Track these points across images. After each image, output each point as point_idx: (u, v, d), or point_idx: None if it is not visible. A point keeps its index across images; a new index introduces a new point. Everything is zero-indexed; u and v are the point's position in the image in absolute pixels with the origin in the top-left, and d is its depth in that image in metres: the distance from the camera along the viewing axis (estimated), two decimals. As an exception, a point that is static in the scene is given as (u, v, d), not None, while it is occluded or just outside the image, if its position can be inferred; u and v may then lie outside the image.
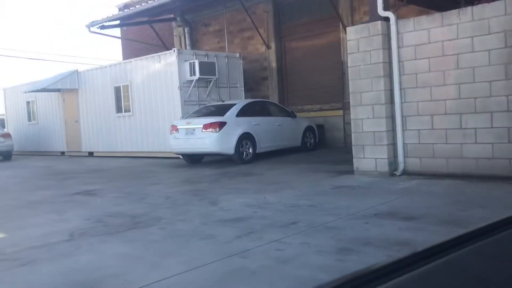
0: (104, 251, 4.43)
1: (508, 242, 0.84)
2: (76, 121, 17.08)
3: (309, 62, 14.56)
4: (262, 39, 15.24)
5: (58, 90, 17.43)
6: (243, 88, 14.74)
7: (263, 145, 11.32)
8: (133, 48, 20.55)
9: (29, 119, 19.62)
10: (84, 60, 52.15)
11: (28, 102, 19.49)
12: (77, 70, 16.98)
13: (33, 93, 17.98)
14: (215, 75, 13.45)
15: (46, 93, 17.79)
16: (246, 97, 14.47)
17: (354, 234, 4.44)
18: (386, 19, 7.65)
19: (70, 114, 17.45)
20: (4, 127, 18.79)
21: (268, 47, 15.31)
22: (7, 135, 16.79)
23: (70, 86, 16.83)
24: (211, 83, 13.57)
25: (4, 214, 6.49)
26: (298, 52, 15.03)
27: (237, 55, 14.74)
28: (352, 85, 8.06)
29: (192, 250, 4.29)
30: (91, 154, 16.61)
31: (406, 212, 5.17)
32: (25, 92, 18.02)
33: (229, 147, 10.59)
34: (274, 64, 15.33)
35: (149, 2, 15.05)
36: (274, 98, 14.95)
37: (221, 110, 11.25)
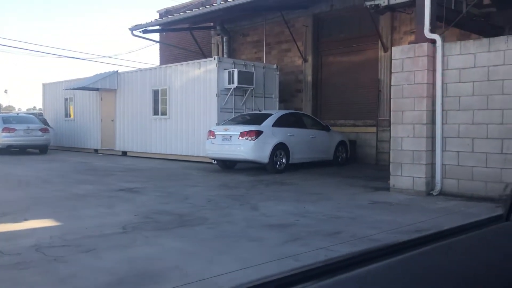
0: (160, 244, 4.68)
1: (454, 248, 0.83)
2: (112, 120, 17.57)
3: (345, 77, 14.73)
4: (300, 52, 15.49)
5: (97, 89, 17.99)
6: (277, 99, 14.99)
7: (296, 156, 11.51)
8: (171, 53, 21.08)
9: (66, 116, 20.24)
10: (122, 62, 53.53)
11: (66, 99, 20.13)
12: (117, 71, 17.51)
13: (71, 90, 18.59)
14: (252, 85, 13.73)
15: (84, 91, 18.36)
16: (280, 108, 14.70)
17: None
18: (432, 41, 7.80)
19: (106, 113, 17.96)
20: (44, 122, 19.34)
21: (305, 60, 15.55)
22: (45, 130, 17.34)
23: (109, 86, 17.35)
24: (248, 92, 13.86)
25: (55, 204, 6.81)
26: (335, 67, 15.22)
27: (274, 66, 15.02)
28: (394, 104, 8.21)
29: (243, 250, 4.50)
30: (124, 153, 17.04)
31: (448, 230, 5.27)
32: (65, 89, 18.65)
33: (263, 156, 10.81)
34: (309, 78, 15.55)
35: (193, 10, 15.48)
36: (307, 110, 15.14)
37: (258, 119, 11.50)
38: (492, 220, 0.99)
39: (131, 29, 16.85)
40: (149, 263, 4.07)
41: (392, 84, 8.27)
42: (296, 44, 15.38)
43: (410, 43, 8.45)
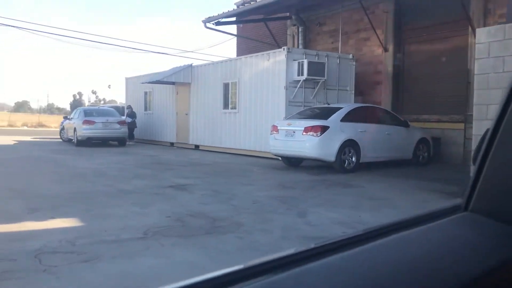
0: (170, 256, 4.08)
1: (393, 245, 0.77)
2: (186, 114, 17.53)
3: (430, 68, 13.23)
4: (379, 40, 14.21)
5: (173, 83, 18.05)
6: (353, 92, 13.89)
7: (368, 155, 10.42)
8: (246, 47, 20.63)
9: (145, 109, 20.64)
10: (203, 57, 54.46)
11: (146, 93, 20.52)
12: (191, 65, 17.41)
13: (151, 84, 18.84)
14: (324, 76, 12.78)
15: (162, 85, 18.52)
16: (355, 102, 13.59)
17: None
18: (528, 19, 6.42)
19: (181, 106, 17.96)
20: (125, 115, 19.84)
21: (385, 49, 14.23)
22: (123, 122, 17.74)
23: (183, 80, 17.30)
24: (319, 84, 12.94)
25: (91, 201, 6.53)
26: (418, 57, 13.76)
27: (350, 56, 13.92)
28: (477, 96, 6.93)
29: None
30: (197, 147, 16.91)
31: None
32: (142, 83, 18.96)
33: (330, 154, 9.88)
34: (390, 68, 14.22)
35: (265, -2, 14.83)
36: (386, 104, 13.86)
37: (326, 113, 10.56)
38: (450, 210, 0.94)
39: (204, 21, 16.62)
40: (143, 279, 3.48)
41: (475, 73, 6.97)
42: (376, 32, 14.11)
43: (499, 24, 7.07)
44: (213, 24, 16.68)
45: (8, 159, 11.95)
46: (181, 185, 8.14)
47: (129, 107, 20.17)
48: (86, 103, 70.68)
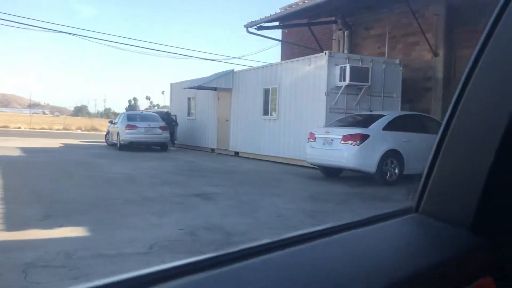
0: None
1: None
2: (227, 120, 17.27)
3: (485, 73, 12.22)
4: (429, 45, 13.34)
5: (215, 89, 17.87)
6: (399, 99, 13.09)
7: (412, 166, 9.63)
8: (292, 52, 20.14)
9: (188, 115, 20.61)
10: (248, 63, 54.48)
11: (189, 98, 20.49)
12: (232, 70, 17.17)
13: (194, 90, 18.77)
14: (368, 82, 12.10)
15: (204, 91, 18.40)
16: (403, 109, 12.79)
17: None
18: None
19: (222, 112, 17.74)
20: (168, 121, 19.87)
21: (435, 54, 13.35)
22: (164, 128, 17.72)
23: (225, 86, 17.08)
24: (362, 90, 12.27)
25: (110, 209, 6.28)
26: (472, 62, 12.76)
27: (397, 61, 13.14)
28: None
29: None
30: (236, 154, 16.60)
31: None
32: (184, 88, 18.92)
33: (369, 164, 9.22)
34: (440, 74, 13.31)
35: (306, 1, 14.34)
36: (436, 112, 12.94)
37: (367, 121, 9.92)
38: (401, 212, 0.94)
39: (246, 26, 16.33)
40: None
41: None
42: (425, 37, 13.26)
43: None
44: (255, 29, 16.36)
45: (47, 162, 12.09)
46: (208, 193, 7.79)
47: (167, 113, 20.21)
48: (141, 108, 72.50)
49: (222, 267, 0.62)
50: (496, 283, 0.81)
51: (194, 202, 6.98)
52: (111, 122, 20.92)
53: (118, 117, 19.76)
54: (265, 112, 14.96)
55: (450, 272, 0.77)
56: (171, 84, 22.43)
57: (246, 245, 0.70)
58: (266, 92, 14.89)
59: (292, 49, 19.74)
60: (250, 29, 16.36)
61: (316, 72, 12.55)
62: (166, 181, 9.29)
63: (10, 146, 16.86)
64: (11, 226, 5.13)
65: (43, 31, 39.16)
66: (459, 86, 0.88)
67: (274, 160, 13.98)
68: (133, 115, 18.96)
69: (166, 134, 17.71)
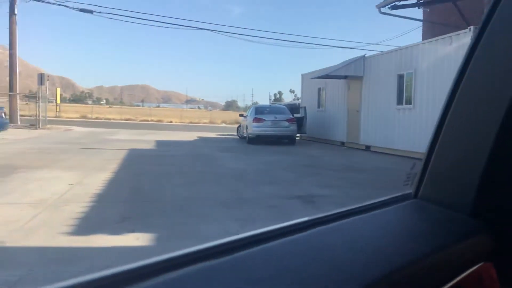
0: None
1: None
2: (357, 111, 15.92)
3: None
4: None
5: (345, 77, 16.63)
6: None
7: None
8: (433, 35, 17.84)
9: (318, 106, 19.64)
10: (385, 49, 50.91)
11: (319, 89, 19.50)
12: (363, 56, 15.73)
13: (324, 80, 17.76)
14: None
15: (334, 80, 17.27)
16: None
17: None
18: None
19: (353, 103, 16.43)
20: (298, 113, 19.24)
21: None
22: (292, 120, 17.03)
23: (354, 73, 15.74)
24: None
25: (194, 211, 5.69)
26: None
27: None
28: None
29: None
30: (367, 148, 15.20)
31: None
32: (312, 78, 17.98)
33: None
34: None
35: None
36: None
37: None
38: (401, 198, 0.94)
39: (379, 6, 14.73)
40: None
41: None
42: None
43: None
44: (388, 8, 14.68)
45: (170, 156, 12.24)
46: (312, 196, 6.80)
47: (294, 105, 19.54)
48: (285, 101, 73.59)
49: (223, 256, 0.63)
50: (496, 267, 0.81)
51: (290, 207, 6.07)
52: (241, 115, 20.97)
53: (248, 110, 19.66)
54: (399, 101, 13.32)
55: (450, 256, 0.77)
56: (302, 75, 21.65)
57: (246, 234, 0.69)
58: (401, 78, 13.24)
59: (434, 30, 17.44)
60: (382, 9, 14.73)
61: (458, 53, 10.60)
62: (275, 179, 8.52)
63: (148, 140, 17.81)
64: (83, 228, 4.82)
65: (195, 30, 41.43)
66: (458, 70, 0.89)
67: (409, 155, 12.31)
68: (261, 108, 18.63)
69: (293, 127, 17.01)
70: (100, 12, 26.92)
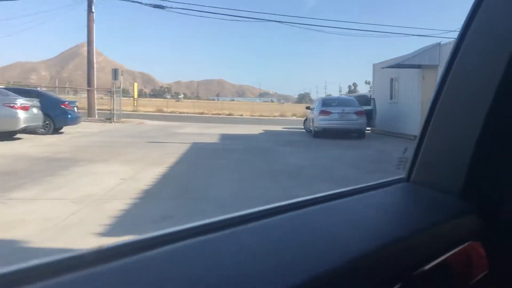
0: None
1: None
2: (432, 103, 14.77)
3: None
4: None
5: (419, 67, 15.49)
6: None
7: None
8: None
9: (391, 97, 18.56)
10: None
11: (391, 79, 18.41)
12: (439, 43, 14.53)
13: (397, 70, 16.71)
14: None
15: (408, 70, 16.17)
16: None
17: None
18: None
19: (427, 94, 15.24)
20: (368, 105, 18.33)
21: None
22: (360, 113, 16.18)
23: (429, 62, 14.60)
24: None
25: (218, 213, 5.32)
26: None
27: None
28: None
29: None
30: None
31: None
32: (383, 68, 16.98)
33: None
34: None
35: None
36: None
37: None
38: (394, 181, 0.98)
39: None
40: None
41: None
42: None
43: None
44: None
45: (231, 150, 12.00)
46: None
47: (363, 97, 18.59)
48: (359, 93, 71.94)
49: (223, 230, 0.65)
50: (484, 246, 0.83)
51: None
52: (308, 108, 20.36)
53: (315, 102, 19.01)
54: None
55: (440, 234, 0.79)
56: (374, 65, 20.58)
57: (246, 211, 0.72)
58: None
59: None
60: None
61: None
62: (331, 177, 7.96)
63: (213, 133, 17.79)
64: (117, 228, 4.61)
65: (268, 22, 41.19)
66: (448, 58, 0.93)
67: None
68: (328, 100, 17.92)
69: (362, 120, 16.16)
70: (171, 8, 27.45)
